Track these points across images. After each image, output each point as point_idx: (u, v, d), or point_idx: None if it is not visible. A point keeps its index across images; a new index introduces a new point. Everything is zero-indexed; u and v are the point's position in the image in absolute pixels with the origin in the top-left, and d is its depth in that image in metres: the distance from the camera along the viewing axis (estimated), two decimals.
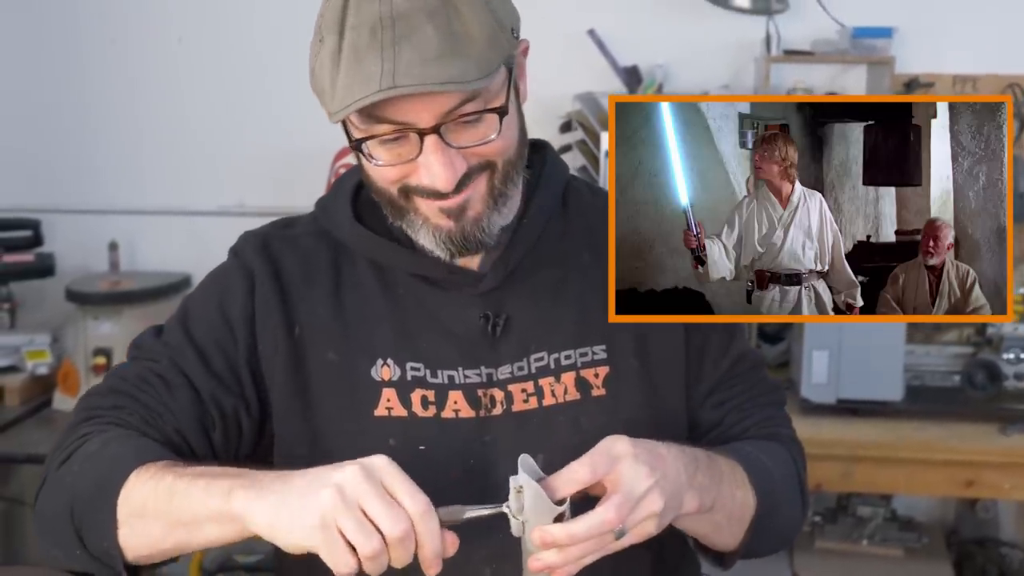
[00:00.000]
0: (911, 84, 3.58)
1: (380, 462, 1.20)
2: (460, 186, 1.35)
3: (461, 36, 1.28)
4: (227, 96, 3.92)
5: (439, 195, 1.36)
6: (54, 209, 3.95)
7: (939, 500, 3.75)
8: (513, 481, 1.24)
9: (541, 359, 1.47)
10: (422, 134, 1.31)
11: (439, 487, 1.41)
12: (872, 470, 3.09)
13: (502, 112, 1.35)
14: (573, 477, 1.24)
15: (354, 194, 1.55)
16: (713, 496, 1.37)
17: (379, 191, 1.41)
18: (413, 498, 1.18)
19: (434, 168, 1.32)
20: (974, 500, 3.61)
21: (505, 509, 1.24)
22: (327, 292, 1.50)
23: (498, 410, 1.46)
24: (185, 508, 1.27)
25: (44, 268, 3.77)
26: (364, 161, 1.38)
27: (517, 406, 1.46)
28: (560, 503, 1.23)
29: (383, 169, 1.36)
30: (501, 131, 1.36)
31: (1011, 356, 3.20)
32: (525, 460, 1.25)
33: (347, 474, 1.18)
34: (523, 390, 1.47)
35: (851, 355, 3.13)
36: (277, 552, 1.58)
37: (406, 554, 1.18)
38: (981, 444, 3.05)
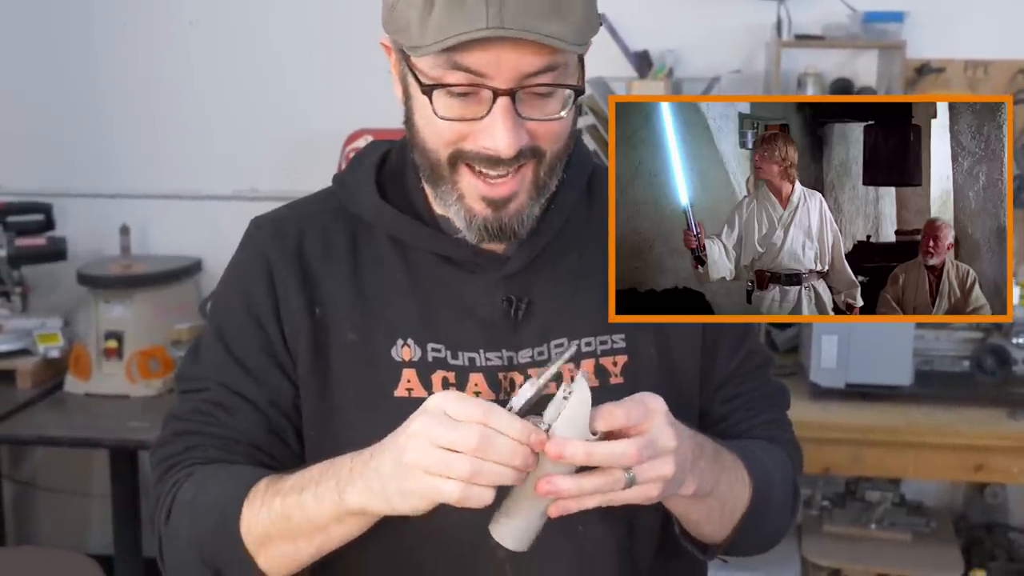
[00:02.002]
0: (922, 69, 3.58)
1: (434, 402, 1.21)
2: (515, 160, 1.33)
3: (564, 1, 1.28)
4: (239, 80, 3.94)
5: (492, 164, 1.33)
6: (66, 193, 3.97)
7: (948, 485, 3.76)
8: (565, 388, 1.23)
9: (561, 345, 1.46)
10: (496, 93, 1.29)
11: None
12: (881, 454, 3.10)
13: (578, 91, 1.35)
14: (608, 414, 1.23)
15: (376, 169, 1.53)
16: (711, 485, 1.37)
17: (426, 152, 1.38)
18: (471, 408, 1.19)
19: (498, 131, 1.29)
20: (983, 485, 3.62)
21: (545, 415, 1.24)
22: (346, 271, 1.48)
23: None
24: (306, 524, 1.31)
25: (56, 252, 3.80)
26: (422, 116, 1.35)
27: None
28: (592, 435, 1.22)
29: (441, 129, 1.33)
30: (570, 109, 1.35)
31: (1021, 341, 3.21)
32: (585, 374, 1.25)
33: (412, 426, 1.21)
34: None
35: (860, 340, 3.14)
36: None
37: (503, 449, 1.18)
38: (990, 428, 3.07)
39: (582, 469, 1.23)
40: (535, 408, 1.24)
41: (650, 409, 1.25)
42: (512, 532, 1.26)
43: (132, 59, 3.97)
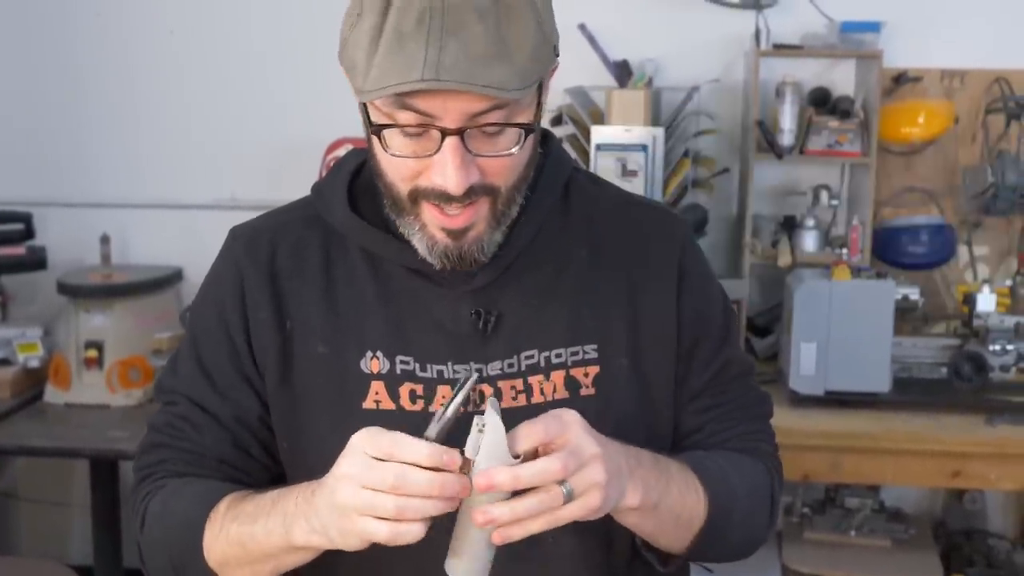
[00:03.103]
0: (899, 78, 3.60)
1: (355, 441, 1.25)
2: (467, 196, 1.33)
3: (508, 42, 1.27)
4: (219, 89, 3.94)
5: (446, 200, 1.34)
6: (46, 202, 3.96)
7: (927, 492, 3.78)
8: (478, 421, 1.24)
9: (531, 357, 1.47)
10: (444, 133, 1.29)
11: None
12: (860, 461, 3.12)
13: (529, 129, 1.35)
14: (528, 432, 1.24)
15: (350, 179, 1.54)
16: (659, 494, 1.37)
17: (387, 185, 1.39)
18: (382, 444, 1.22)
19: (448, 169, 1.30)
20: (961, 492, 3.64)
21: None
22: (318, 283, 1.50)
23: (486, 406, 1.45)
24: (259, 552, 1.35)
25: (36, 261, 3.79)
26: (379, 150, 1.35)
27: (506, 403, 1.45)
28: (515, 458, 1.23)
29: (397, 164, 1.34)
30: (522, 146, 1.35)
31: (997, 348, 3.22)
32: (493, 402, 1.26)
33: (341, 468, 1.24)
34: (512, 387, 1.46)
35: (839, 347, 3.15)
36: None
37: (419, 483, 1.20)
38: (968, 435, 3.09)
39: (518, 494, 1.24)
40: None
41: (565, 421, 1.26)
42: (464, 569, 1.27)
43: (112, 68, 3.97)
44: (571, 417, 1.27)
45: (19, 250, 3.77)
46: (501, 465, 1.21)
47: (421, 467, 1.20)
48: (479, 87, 1.24)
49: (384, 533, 1.21)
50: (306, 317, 1.49)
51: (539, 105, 1.38)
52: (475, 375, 1.31)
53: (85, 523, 3.76)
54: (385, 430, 1.23)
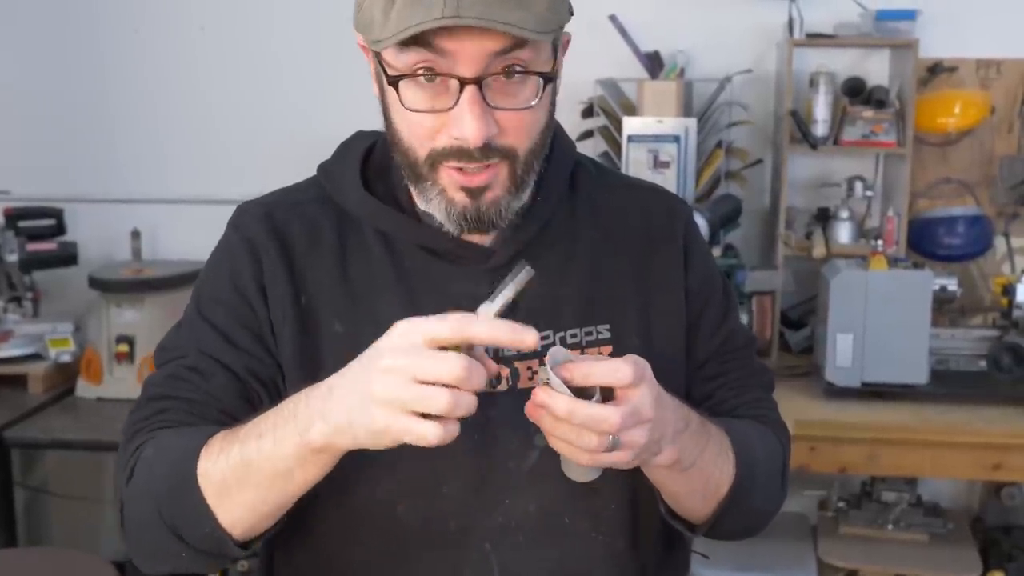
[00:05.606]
0: (935, 68, 3.57)
1: (400, 329, 1.17)
2: (485, 155, 1.33)
3: None
4: (249, 84, 3.95)
5: (466, 157, 1.33)
6: (77, 198, 3.98)
7: (964, 487, 3.75)
8: (541, 373, 1.24)
9: (547, 338, 1.47)
10: (463, 83, 1.29)
11: (444, 464, 1.41)
12: (897, 453, 3.08)
13: (548, 78, 1.35)
14: (614, 370, 1.22)
15: (362, 161, 1.54)
16: (693, 458, 1.37)
17: (405, 150, 1.39)
18: (446, 324, 1.15)
19: (466, 119, 1.30)
20: (999, 487, 3.59)
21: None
22: (333, 262, 1.49)
23: (503, 387, 1.45)
24: (267, 468, 1.25)
25: (67, 257, 3.80)
26: (396, 108, 1.36)
27: (522, 383, 1.46)
28: (590, 395, 1.22)
29: (414, 124, 1.34)
30: (540, 100, 1.35)
31: None
32: (556, 352, 1.24)
33: (386, 360, 1.15)
34: (528, 367, 1.47)
35: (876, 338, 3.12)
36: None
37: (480, 377, 1.14)
38: (1008, 427, 3.05)
39: None
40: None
41: (640, 375, 1.24)
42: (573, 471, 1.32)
43: (142, 64, 3.99)
44: (646, 373, 1.25)
45: (50, 246, 3.78)
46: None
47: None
48: (499, 23, 1.25)
49: (438, 437, 1.14)
50: (322, 294, 1.48)
51: (555, 65, 1.38)
52: (528, 271, 1.23)
53: (116, 518, 3.74)
54: (446, 319, 1.16)
